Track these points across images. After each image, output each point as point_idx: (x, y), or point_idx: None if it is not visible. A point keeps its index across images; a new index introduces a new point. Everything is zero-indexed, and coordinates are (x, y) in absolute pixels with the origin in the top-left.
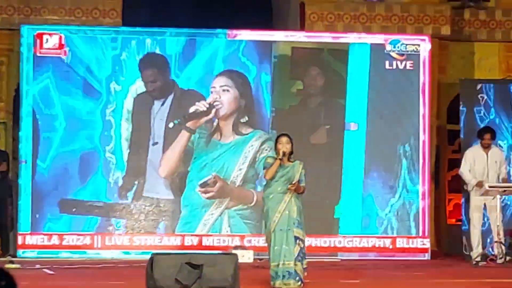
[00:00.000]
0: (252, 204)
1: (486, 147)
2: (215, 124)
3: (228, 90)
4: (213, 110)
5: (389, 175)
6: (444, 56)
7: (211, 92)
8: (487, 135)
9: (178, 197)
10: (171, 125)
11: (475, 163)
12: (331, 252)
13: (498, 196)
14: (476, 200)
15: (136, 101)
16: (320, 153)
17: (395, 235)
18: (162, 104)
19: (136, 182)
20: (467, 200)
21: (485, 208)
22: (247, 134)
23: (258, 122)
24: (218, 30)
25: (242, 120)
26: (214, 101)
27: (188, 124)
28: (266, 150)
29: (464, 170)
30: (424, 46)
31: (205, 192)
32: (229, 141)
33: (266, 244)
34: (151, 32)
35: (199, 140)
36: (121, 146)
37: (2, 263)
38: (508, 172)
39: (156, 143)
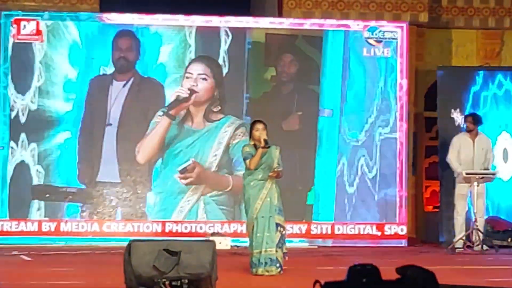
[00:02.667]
0: (229, 189)
1: (470, 132)
2: (185, 110)
3: (205, 79)
4: (193, 96)
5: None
6: (422, 43)
7: (186, 78)
8: (468, 118)
9: (150, 183)
10: (160, 113)
11: (462, 150)
12: (305, 239)
13: (484, 184)
14: (461, 188)
15: (91, 83)
16: (292, 140)
17: (371, 221)
18: (124, 86)
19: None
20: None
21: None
22: (218, 120)
23: (230, 108)
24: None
25: (214, 109)
26: (192, 87)
27: (171, 112)
28: (239, 135)
29: (452, 157)
30: (402, 33)
31: (185, 178)
32: (202, 127)
33: (243, 231)
34: (127, 18)
35: (171, 127)
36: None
37: None
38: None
39: (110, 124)
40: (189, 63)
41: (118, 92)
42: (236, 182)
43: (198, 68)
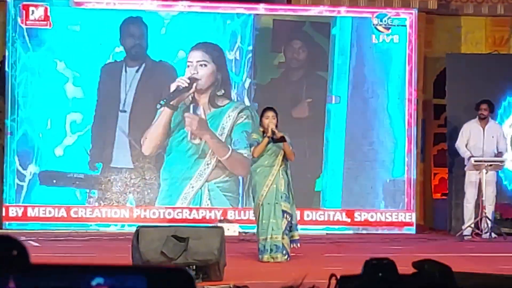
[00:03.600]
0: (225, 158)
1: (483, 119)
2: (191, 97)
3: (205, 65)
4: (194, 85)
5: (373, 149)
6: (431, 30)
7: (188, 67)
8: (483, 105)
9: (158, 170)
10: (158, 106)
11: (471, 138)
12: (314, 226)
13: (494, 172)
14: (471, 175)
15: (103, 70)
16: (302, 127)
17: (379, 208)
18: (137, 71)
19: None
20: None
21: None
22: (223, 106)
23: (235, 94)
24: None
25: (218, 93)
26: (193, 76)
27: (172, 102)
28: (242, 117)
29: (460, 144)
30: (411, 20)
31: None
32: (206, 113)
33: (251, 218)
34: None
35: (176, 114)
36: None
37: None
38: None
39: (125, 111)
40: (189, 52)
41: (131, 79)
42: (234, 155)
43: (197, 56)
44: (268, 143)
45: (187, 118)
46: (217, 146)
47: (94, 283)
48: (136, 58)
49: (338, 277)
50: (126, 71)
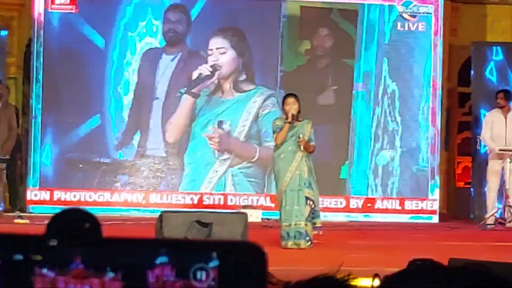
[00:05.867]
0: (255, 159)
1: (502, 108)
2: (215, 83)
3: (225, 52)
4: (217, 73)
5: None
6: (456, 19)
7: (209, 55)
8: (500, 94)
9: (182, 155)
10: (177, 95)
11: (494, 127)
12: (337, 212)
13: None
14: (494, 164)
15: (143, 56)
16: (327, 114)
17: (404, 196)
18: (172, 60)
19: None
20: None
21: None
22: (249, 90)
23: (261, 79)
24: None
25: (240, 79)
26: (215, 63)
27: (194, 90)
28: (269, 106)
29: (485, 134)
30: (437, 8)
31: (210, 139)
32: (231, 97)
33: (272, 204)
34: None
35: (201, 99)
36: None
37: (11, 218)
38: None
39: (157, 98)
40: (209, 39)
41: (166, 67)
42: (263, 153)
43: (216, 43)
44: (290, 129)
45: (208, 139)
46: (244, 151)
47: (157, 261)
48: (174, 45)
49: (381, 277)
50: (162, 58)
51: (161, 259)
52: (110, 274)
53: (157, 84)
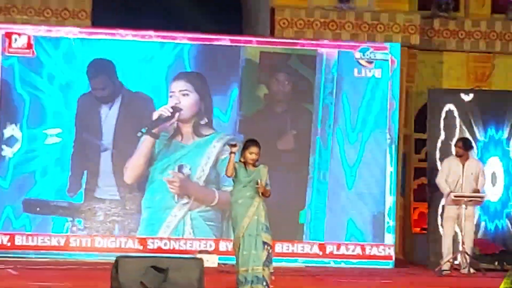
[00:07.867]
0: (214, 203)
1: (460, 157)
2: (175, 126)
3: (187, 95)
4: (177, 114)
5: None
6: (413, 65)
7: (170, 97)
8: (458, 143)
9: (139, 199)
10: (139, 134)
11: (451, 174)
12: (295, 258)
13: (473, 207)
14: (449, 210)
15: (80, 101)
16: (287, 159)
17: (359, 242)
18: (110, 108)
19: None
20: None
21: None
22: (208, 135)
23: (220, 125)
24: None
25: (201, 122)
26: (176, 105)
27: (154, 130)
28: (228, 150)
29: (441, 179)
30: (393, 55)
31: (170, 183)
32: (190, 142)
33: (230, 248)
34: (117, 34)
35: (159, 142)
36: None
37: None
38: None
39: (106, 149)
40: (171, 81)
41: (106, 115)
42: (222, 197)
43: (179, 85)
44: (247, 175)
45: (169, 183)
46: (204, 195)
47: None
48: (108, 95)
49: None
50: (101, 107)
51: None
52: None
53: (102, 132)
